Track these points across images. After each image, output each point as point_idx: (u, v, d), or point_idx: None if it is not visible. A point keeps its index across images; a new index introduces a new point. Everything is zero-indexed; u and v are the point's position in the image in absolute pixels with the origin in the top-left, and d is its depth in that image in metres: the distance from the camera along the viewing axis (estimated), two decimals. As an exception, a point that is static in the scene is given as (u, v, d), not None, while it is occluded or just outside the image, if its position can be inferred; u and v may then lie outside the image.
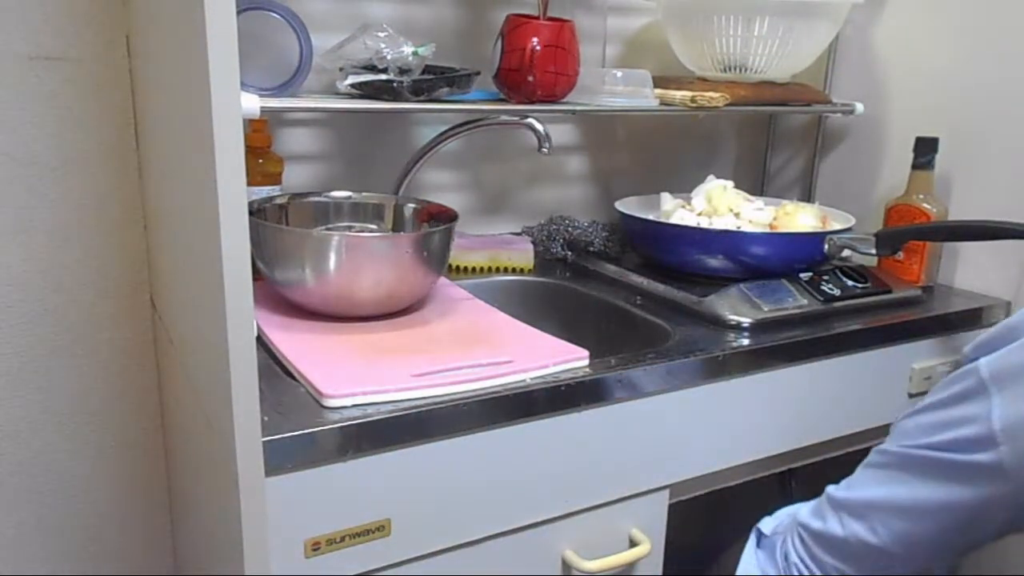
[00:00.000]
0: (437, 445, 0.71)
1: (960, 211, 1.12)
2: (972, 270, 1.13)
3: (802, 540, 0.74)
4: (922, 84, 1.18)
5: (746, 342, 0.89)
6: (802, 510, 0.76)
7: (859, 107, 1.23)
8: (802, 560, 0.74)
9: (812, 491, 0.78)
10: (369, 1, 1.08)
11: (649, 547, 0.85)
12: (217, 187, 0.56)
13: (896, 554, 0.68)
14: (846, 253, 1.05)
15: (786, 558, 0.75)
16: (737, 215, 1.09)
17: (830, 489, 0.73)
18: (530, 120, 0.95)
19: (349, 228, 0.99)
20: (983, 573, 1.03)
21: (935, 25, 1.16)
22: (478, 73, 0.97)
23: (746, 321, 0.93)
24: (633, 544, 0.86)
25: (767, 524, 0.81)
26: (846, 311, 1.00)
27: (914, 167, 1.11)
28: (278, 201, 0.96)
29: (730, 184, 1.13)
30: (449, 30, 1.14)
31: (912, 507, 0.66)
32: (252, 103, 0.76)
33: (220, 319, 0.59)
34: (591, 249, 1.17)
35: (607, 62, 1.21)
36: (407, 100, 0.91)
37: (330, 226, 0.99)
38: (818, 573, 0.72)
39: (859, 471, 0.72)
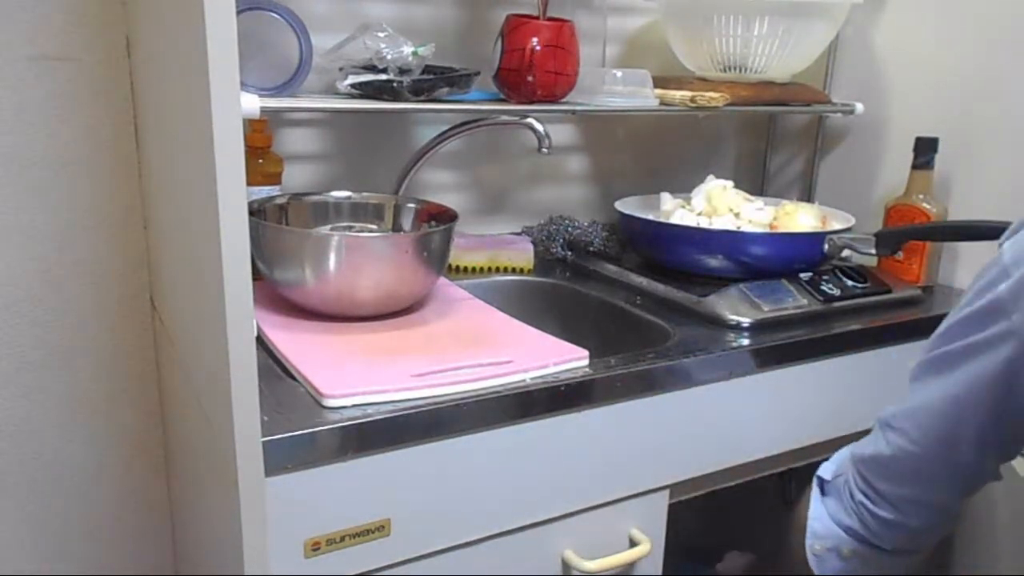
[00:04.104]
0: (437, 445, 0.71)
1: (960, 211, 1.12)
2: (972, 270, 1.12)
3: (860, 474, 0.73)
4: (922, 84, 1.18)
5: (746, 342, 0.89)
6: (856, 444, 0.76)
7: (859, 107, 1.23)
8: (864, 494, 0.73)
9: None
10: (369, 1, 1.08)
11: (649, 547, 0.85)
12: (217, 187, 0.56)
13: (938, 457, 0.68)
14: (846, 253, 1.05)
15: (852, 496, 0.74)
16: (737, 215, 1.09)
17: (882, 411, 0.73)
18: (530, 120, 0.95)
19: (349, 228, 0.99)
20: (980, 574, 1.03)
21: (935, 25, 1.16)
22: (478, 73, 0.97)
23: (746, 321, 0.93)
24: (633, 544, 0.86)
25: (827, 469, 0.80)
26: (846, 311, 1.00)
27: (914, 167, 1.11)
28: (278, 201, 0.96)
29: (730, 184, 1.13)
30: (449, 30, 1.14)
31: (943, 401, 0.66)
32: (252, 103, 0.76)
33: (220, 319, 0.59)
34: (591, 249, 1.17)
35: (607, 62, 1.21)
36: (407, 100, 0.91)
37: (330, 226, 0.99)
38: (883, 513, 0.71)
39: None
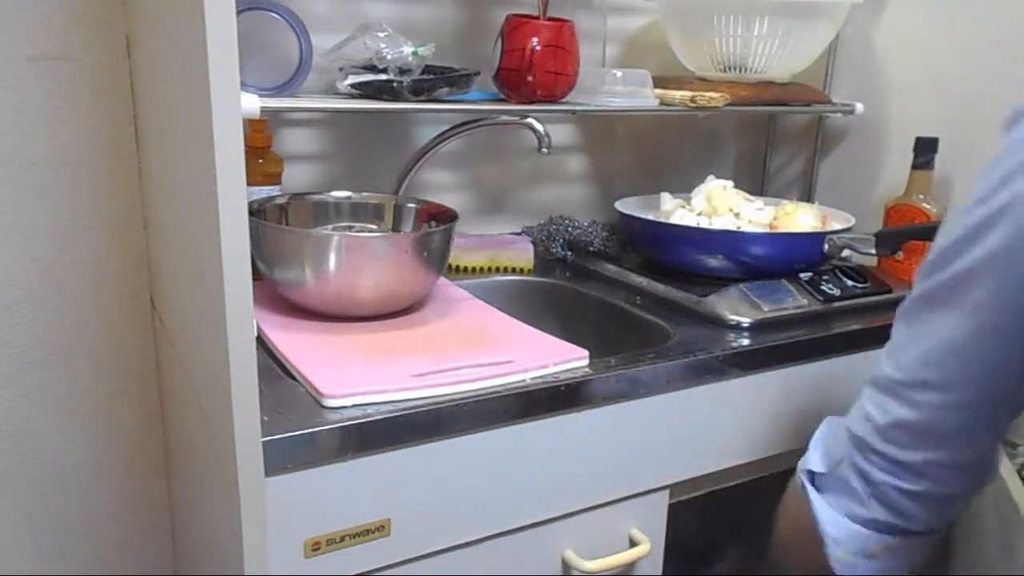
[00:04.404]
0: (437, 445, 0.71)
1: (960, 211, 1.12)
2: (972, 270, 1.13)
3: (874, 451, 0.63)
4: (922, 84, 1.18)
5: (746, 342, 0.89)
6: (851, 423, 0.65)
7: (859, 107, 1.23)
8: (884, 471, 0.62)
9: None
10: (369, 1, 1.08)
11: (649, 547, 0.85)
12: (217, 187, 0.56)
13: (979, 401, 0.59)
14: (846, 253, 1.05)
15: (867, 480, 0.64)
16: (737, 215, 1.09)
17: (877, 375, 0.63)
18: (530, 120, 0.95)
19: (349, 228, 1.00)
20: (981, 574, 1.03)
21: (935, 25, 1.16)
22: (478, 73, 0.97)
23: (746, 321, 0.93)
24: (633, 544, 0.86)
25: (814, 461, 0.69)
26: (846, 311, 1.00)
27: (914, 167, 1.11)
28: (278, 201, 0.96)
29: (730, 184, 1.13)
30: (449, 30, 1.14)
31: (968, 334, 0.57)
32: (252, 103, 0.76)
33: (220, 319, 0.59)
34: (591, 249, 1.17)
35: (607, 62, 1.21)
36: (407, 100, 0.91)
37: (330, 226, 0.99)
38: (914, 486, 0.62)
39: (893, 335, 0.63)
